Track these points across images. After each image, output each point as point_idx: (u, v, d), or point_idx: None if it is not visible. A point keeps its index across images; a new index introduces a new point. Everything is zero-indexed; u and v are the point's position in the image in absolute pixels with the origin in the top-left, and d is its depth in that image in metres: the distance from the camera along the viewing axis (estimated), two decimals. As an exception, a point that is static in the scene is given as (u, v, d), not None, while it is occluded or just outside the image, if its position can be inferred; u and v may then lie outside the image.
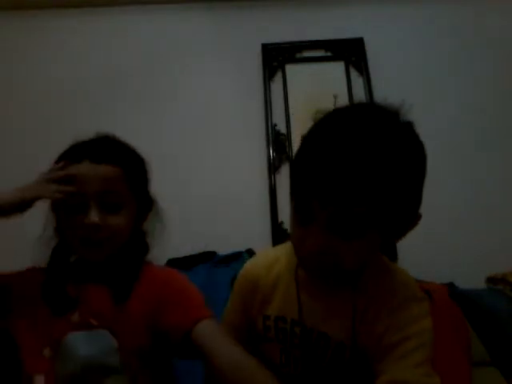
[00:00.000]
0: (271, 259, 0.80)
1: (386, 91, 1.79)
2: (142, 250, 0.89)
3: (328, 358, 0.69)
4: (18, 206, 0.78)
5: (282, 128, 1.75)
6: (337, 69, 1.85)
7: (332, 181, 0.58)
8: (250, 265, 0.83)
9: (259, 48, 1.87)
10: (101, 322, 0.78)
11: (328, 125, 0.63)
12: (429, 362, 0.61)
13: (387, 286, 0.67)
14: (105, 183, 0.80)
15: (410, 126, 0.64)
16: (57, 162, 0.84)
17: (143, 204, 0.89)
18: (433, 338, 0.64)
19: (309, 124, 0.68)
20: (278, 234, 1.61)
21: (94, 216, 0.78)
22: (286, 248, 0.79)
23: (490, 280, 1.43)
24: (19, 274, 0.86)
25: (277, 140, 1.74)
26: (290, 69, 1.85)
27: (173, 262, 1.43)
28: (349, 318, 0.68)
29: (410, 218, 0.64)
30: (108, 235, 0.80)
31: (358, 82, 1.83)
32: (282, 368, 0.74)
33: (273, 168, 1.70)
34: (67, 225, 0.81)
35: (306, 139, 0.64)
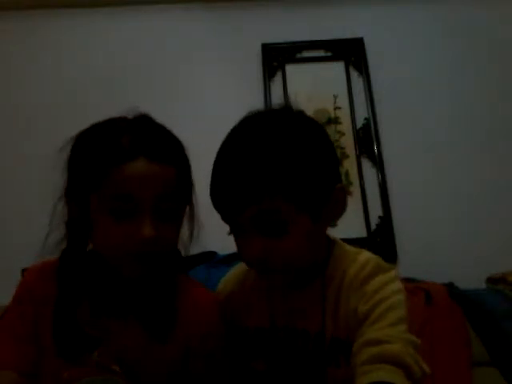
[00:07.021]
0: (242, 273, 0.81)
1: (386, 91, 1.80)
2: (176, 263, 0.76)
3: (310, 351, 0.70)
4: None
5: (282, 128, 1.75)
6: (337, 69, 1.85)
7: (234, 188, 0.62)
8: (223, 282, 0.85)
9: (259, 48, 1.87)
10: (126, 366, 0.66)
11: (223, 142, 0.69)
12: (404, 322, 0.61)
13: (353, 268, 0.69)
14: (162, 187, 0.65)
15: (298, 114, 0.70)
16: (98, 148, 0.66)
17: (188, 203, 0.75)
18: (405, 298, 0.65)
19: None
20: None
21: (150, 229, 0.63)
22: None
23: (490, 280, 1.43)
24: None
25: (277, 140, 1.74)
26: (290, 69, 1.85)
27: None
28: (321, 309, 0.69)
29: (326, 192, 0.66)
30: (161, 249, 0.66)
31: (358, 81, 1.83)
32: (268, 376, 0.74)
33: (273, 168, 1.70)
34: (110, 233, 0.64)
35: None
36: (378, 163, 1.71)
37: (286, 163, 0.62)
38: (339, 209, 0.69)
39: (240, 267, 0.83)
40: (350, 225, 1.51)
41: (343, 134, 1.76)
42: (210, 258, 1.45)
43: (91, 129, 0.71)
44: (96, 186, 0.65)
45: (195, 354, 0.70)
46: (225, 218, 0.68)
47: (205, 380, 0.71)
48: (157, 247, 0.65)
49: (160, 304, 0.70)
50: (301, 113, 0.71)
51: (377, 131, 1.75)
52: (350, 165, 1.72)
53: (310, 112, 0.72)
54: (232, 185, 0.63)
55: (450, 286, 1.37)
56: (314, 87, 1.80)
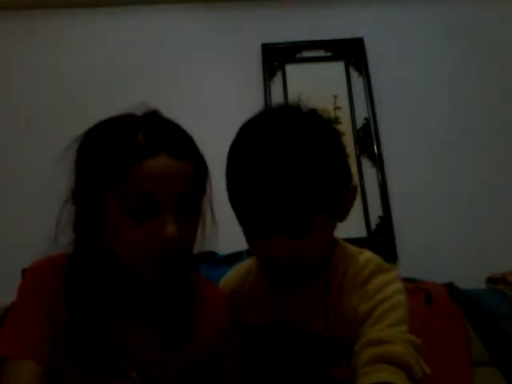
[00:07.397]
0: (244, 271, 0.81)
1: (386, 91, 1.80)
2: (190, 263, 0.72)
3: (310, 350, 0.70)
4: None
5: (282, 128, 1.76)
6: (337, 69, 1.85)
7: (265, 185, 0.62)
8: (224, 281, 0.84)
9: (259, 48, 1.87)
10: (143, 372, 0.64)
11: (242, 138, 0.69)
12: (404, 322, 0.62)
13: (354, 267, 0.70)
14: (184, 184, 0.63)
15: (313, 112, 0.73)
16: (113, 146, 0.62)
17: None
18: (405, 299, 0.66)
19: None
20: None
21: (173, 228, 0.60)
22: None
23: (490, 280, 1.43)
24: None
25: (277, 140, 1.74)
26: (290, 69, 1.85)
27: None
28: (323, 308, 0.70)
29: (343, 190, 0.69)
30: (183, 249, 0.64)
31: (358, 81, 1.83)
32: (268, 376, 0.74)
33: (273, 168, 1.70)
34: (129, 235, 0.61)
35: (228, 159, 0.69)
36: (378, 163, 1.71)
37: (314, 163, 0.63)
38: (349, 208, 0.71)
39: (240, 267, 0.83)
40: (350, 225, 1.50)
41: (343, 134, 1.76)
42: (210, 258, 1.45)
43: (101, 126, 0.67)
44: (112, 186, 0.61)
45: (211, 353, 0.69)
46: (248, 218, 0.67)
47: (218, 379, 0.70)
48: (179, 247, 0.62)
49: (176, 308, 0.67)
50: (315, 111, 0.73)
51: (377, 131, 1.75)
52: (350, 165, 1.71)
53: (310, 112, 0.73)
54: (259, 186, 0.62)
55: (450, 286, 1.37)
56: (314, 87, 1.79)
